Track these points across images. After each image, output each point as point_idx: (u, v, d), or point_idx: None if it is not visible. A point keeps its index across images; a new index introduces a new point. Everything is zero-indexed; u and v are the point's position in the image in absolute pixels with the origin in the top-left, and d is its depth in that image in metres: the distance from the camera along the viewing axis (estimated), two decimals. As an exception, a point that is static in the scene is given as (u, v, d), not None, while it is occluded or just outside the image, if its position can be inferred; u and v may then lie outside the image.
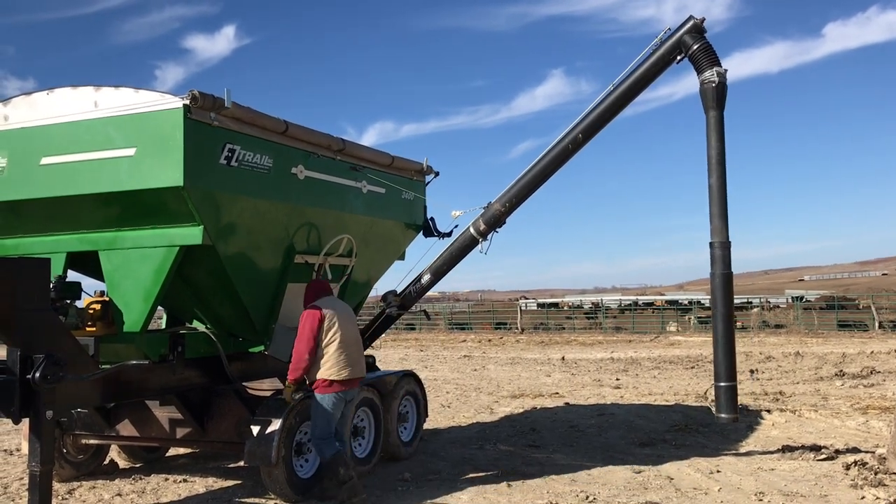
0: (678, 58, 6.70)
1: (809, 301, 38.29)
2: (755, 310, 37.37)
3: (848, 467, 7.32)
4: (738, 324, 32.17)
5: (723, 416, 6.74)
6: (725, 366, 6.74)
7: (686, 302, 41.07)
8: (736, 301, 37.04)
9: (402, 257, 9.15)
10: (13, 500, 6.73)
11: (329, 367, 6.30)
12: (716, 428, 9.79)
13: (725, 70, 6.60)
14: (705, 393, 9.89)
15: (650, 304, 42.23)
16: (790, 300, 39.47)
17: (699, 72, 6.66)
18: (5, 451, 9.05)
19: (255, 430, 6.38)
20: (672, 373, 17.23)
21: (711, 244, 6.72)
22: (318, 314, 6.31)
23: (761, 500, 6.39)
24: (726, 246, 6.69)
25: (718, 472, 7.40)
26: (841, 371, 16.51)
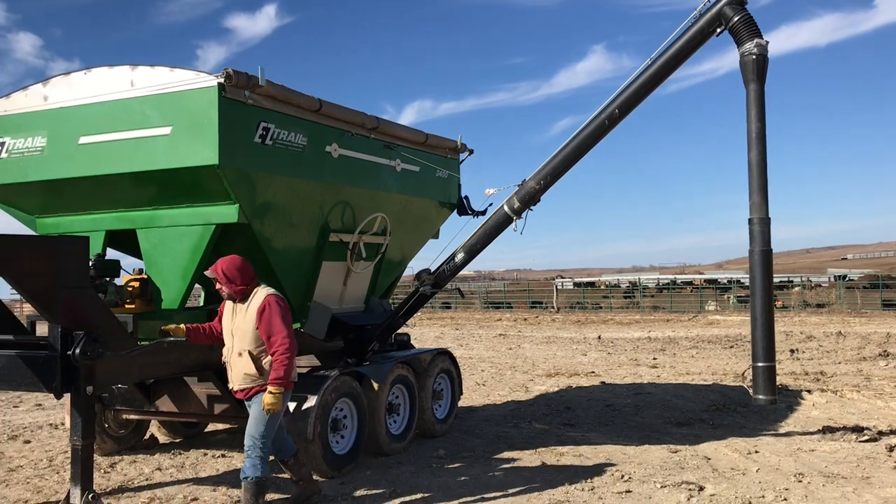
0: (718, 30, 6.53)
1: (853, 280, 37.56)
2: (796, 289, 36.78)
3: (891, 449, 7.17)
4: (777, 303, 31.71)
5: (760, 397, 6.63)
6: (763, 346, 6.61)
7: (725, 281, 40.57)
8: (776, 280, 36.51)
9: (436, 236, 9.13)
10: (58, 473, 6.89)
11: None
12: (754, 408, 9.65)
13: (766, 42, 6.41)
14: (743, 373, 9.75)
15: (688, 283, 41.81)
16: (832, 279, 38.77)
17: (739, 44, 6.48)
18: (51, 425, 9.27)
19: (291, 406, 6.43)
20: (710, 352, 17.04)
21: (750, 220, 6.57)
22: (285, 302, 5.35)
23: (801, 480, 6.29)
24: (766, 222, 6.54)
25: (757, 452, 7.31)
26: (885, 351, 16.17)
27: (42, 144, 6.31)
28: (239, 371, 5.26)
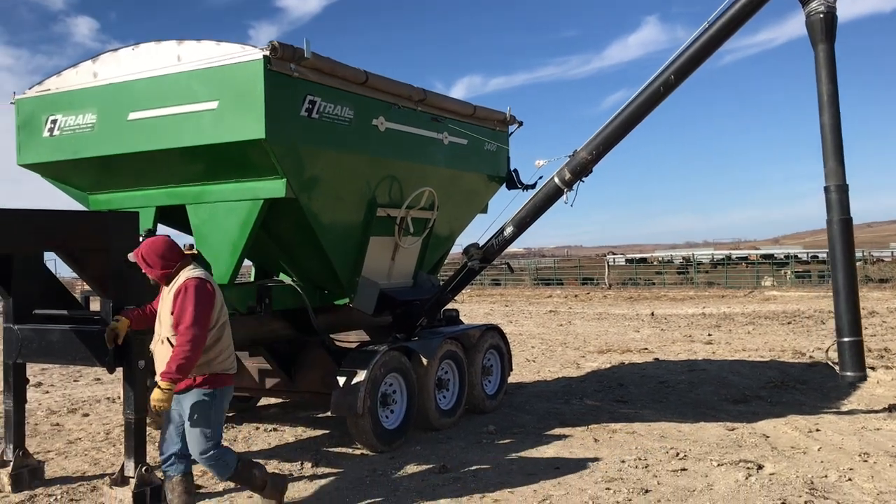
0: (781, -11, 6.22)
1: (917, 254, 36.30)
2: (858, 264, 35.71)
3: (962, 428, 6.87)
4: (838, 278, 30.87)
5: (848, 374, 6.36)
6: (849, 319, 6.33)
7: (782, 256, 39.57)
8: (836, 255, 35.52)
9: (484, 210, 9.01)
10: (114, 445, 7.02)
11: (226, 357, 4.76)
12: (814, 385, 9.38)
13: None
14: (827, 350, 9.43)
15: (744, 259, 40.89)
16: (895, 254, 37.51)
17: (805, 3, 6.17)
18: (108, 398, 9.47)
19: (341, 381, 6.43)
20: (767, 328, 16.63)
21: (827, 188, 6.28)
22: (211, 287, 4.66)
23: (866, 460, 6.05)
24: (844, 189, 6.24)
25: (818, 430, 7.07)
26: (952, 327, 15.57)
27: (92, 121, 6.36)
28: (161, 361, 4.59)
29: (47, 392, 10.19)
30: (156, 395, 4.38)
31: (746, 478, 5.64)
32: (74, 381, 11.10)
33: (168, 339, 4.59)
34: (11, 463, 5.69)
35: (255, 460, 5.08)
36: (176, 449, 4.73)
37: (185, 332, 4.42)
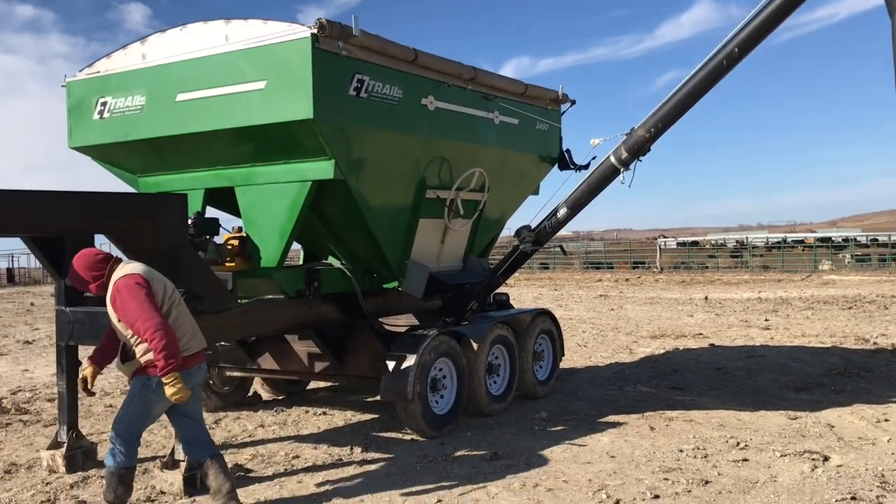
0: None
1: None
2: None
3: None
4: (900, 262, 29.88)
5: None
6: None
7: (840, 239, 38.42)
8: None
9: (536, 191, 8.81)
10: (165, 428, 7.03)
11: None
12: (880, 373, 9.01)
13: (914, -34, 5.73)
14: None
15: (800, 242, 39.81)
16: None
17: (880, -30, 5.81)
18: (161, 380, 9.54)
19: (391, 365, 6.34)
20: (827, 313, 16.10)
21: None
22: (141, 278, 4.46)
23: (940, 453, 5.75)
24: None
25: (886, 420, 6.75)
26: None
27: (141, 103, 6.33)
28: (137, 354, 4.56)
29: (102, 373, 10.30)
30: (168, 391, 4.30)
31: (812, 470, 5.39)
32: (128, 362, 11.23)
33: (123, 344, 4.57)
34: (65, 444, 5.74)
35: (130, 481, 4.67)
36: (185, 438, 4.72)
37: (143, 330, 4.29)
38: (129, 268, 4.52)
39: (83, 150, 6.81)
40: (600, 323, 15.30)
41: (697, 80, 6.17)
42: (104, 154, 6.82)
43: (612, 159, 6.61)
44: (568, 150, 8.54)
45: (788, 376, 8.91)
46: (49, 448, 5.78)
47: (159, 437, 6.77)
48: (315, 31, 5.53)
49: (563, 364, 8.92)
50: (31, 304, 23.24)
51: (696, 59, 6.22)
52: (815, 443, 6.08)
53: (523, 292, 24.31)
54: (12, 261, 37.86)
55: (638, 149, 6.45)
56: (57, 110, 6.87)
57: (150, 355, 4.37)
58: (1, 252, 41.09)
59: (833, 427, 6.58)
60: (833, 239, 38.82)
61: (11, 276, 36.01)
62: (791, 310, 17.03)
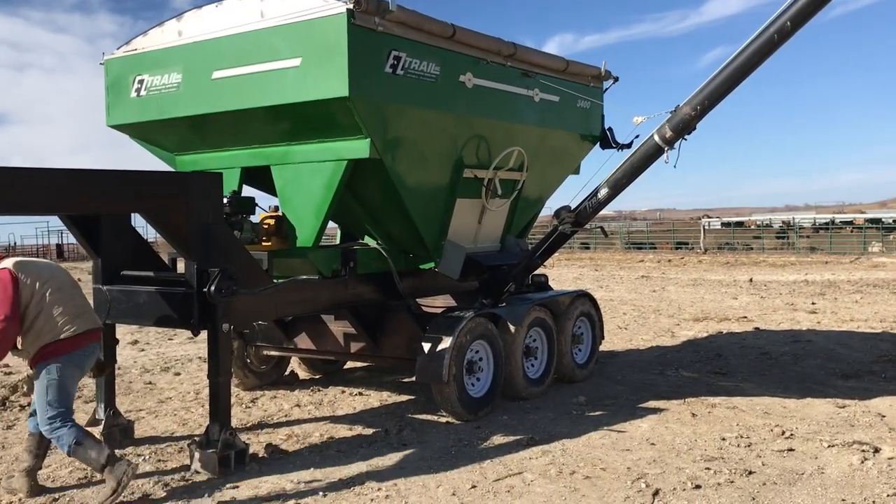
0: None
1: None
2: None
3: None
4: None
5: None
6: None
7: (891, 220, 37.34)
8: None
9: (576, 171, 8.61)
10: (203, 406, 7.08)
11: (55, 326, 4.66)
12: (934, 360, 8.68)
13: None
14: None
15: (849, 223, 38.78)
16: None
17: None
18: (201, 358, 9.63)
19: (426, 347, 6.26)
20: (877, 297, 15.63)
21: None
22: (9, 273, 4.54)
23: None
24: None
25: (941, 410, 6.50)
26: None
27: (178, 81, 6.28)
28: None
29: (143, 350, 10.46)
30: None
31: (862, 462, 5.19)
32: (169, 339, 11.38)
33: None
34: (103, 422, 5.78)
35: (99, 441, 4.76)
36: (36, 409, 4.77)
37: None
38: (3, 263, 4.65)
39: (121, 128, 6.80)
40: (642, 305, 15.06)
41: (747, 55, 5.91)
42: (141, 132, 6.81)
43: (657, 138, 6.40)
44: (610, 129, 8.32)
45: (836, 363, 8.64)
46: (87, 425, 5.83)
47: (196, 415, 6.80)
48: (351, 6, 5.41)
49: (603, 347, 8.77)
50: (78, 279, 23.70)
51: (744, 37, 5.96)
52: (864, 433, 5.86)
53: (563, 272, 24.08)
54: (61, 237, 38.68)
55: (683, 127, 6.23)
56: (102, 89, 6.88)
57: (41, 342, 4.60)
58: (52, 228, 42.02)
59: (884, 417, 6.34)
60: (883, 220, 37.72)
61: (61, 252, 36.76)
62: (839, 293, 16.58)
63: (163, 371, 8.86)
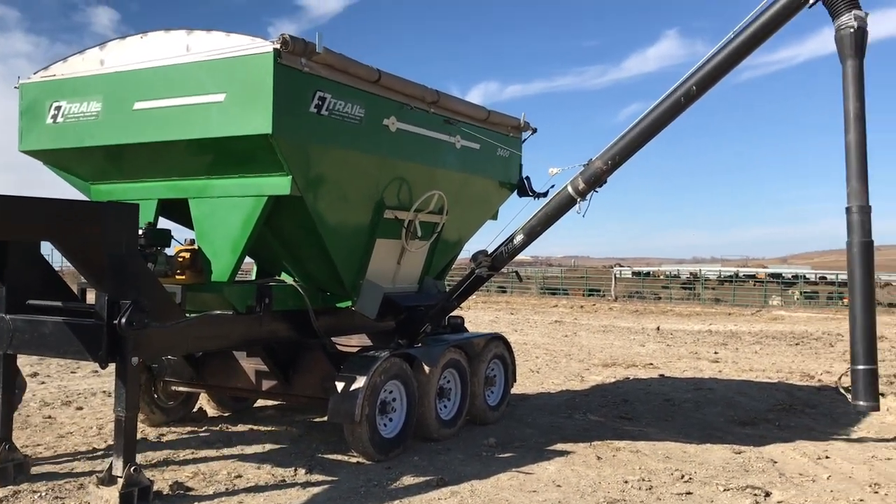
0: (811, 1, 6.03)
1: (927, 279, 35.98)
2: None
3: (977, 462, 6.65)
4: (844, 300, 30.61)
5: (861, 403, 6.13)
6: (864, 347, 6.10)
7: (790, 276, 39.32)
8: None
9: (494, 217, 8.83)
10: (106, 441, 6.86)
11: None
12: (823, 409, 9.17)
13: (866, 14, 5.91)
14: (839, 377, 9.18)
15: (752, 277, 40.63)
16: (906, 278, 37.20)
17: (835, 16, 5.97)
18: (105, 392, 9.31)
19: (340, 386, 6.26)
20: (775, 349, 16.40)
21: (848, 209, 6.07)
22: None
23: (877, 492, 5.85)
24: (866, 211, 6.03)
25: (827, 458, 6.86)
26: (964, 356, 15.30)
27: (97, 109, 6.21)
28: None
29: (43, 383, 10.04)
30: None
31: (754, 505, 5.44)
32: (72, 372, 10.95)
33: None
34: (-3, 456, 5.54)
35: None
36: None
37: None
38: None
39: (34, 154, 6.64)
40: (554, 349, 15.36)
41: (656, 115, 6.26)
42: (56, 159, 6.67)
43: (570, 189, 6.66)
44: (527, 178, 8.59)
45: (735, 410, 9.02)
46: (-20, 460, 5.57)
47: (98, 451, 6.58)
48: (278, 46, 5.50)
49: (515, 389, 8.91)
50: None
51: (660, 93, 6.31)
52: (757, 478, 6.15)
53: (480, 315, 24.33)
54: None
55: (595, 180, 6.52)
56: (14, 111, 6.71)
57: None
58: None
59: (776, 462, 6.66)
60: (784, 275, 39.70)
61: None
62: (740, 343, 17.31)
63: (64, 405, 8.53)
